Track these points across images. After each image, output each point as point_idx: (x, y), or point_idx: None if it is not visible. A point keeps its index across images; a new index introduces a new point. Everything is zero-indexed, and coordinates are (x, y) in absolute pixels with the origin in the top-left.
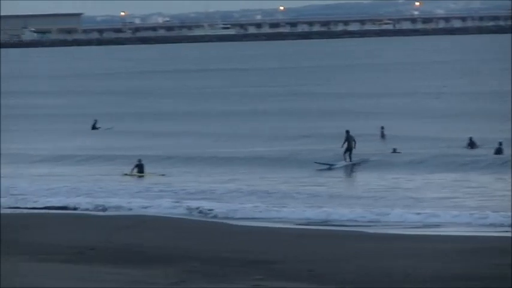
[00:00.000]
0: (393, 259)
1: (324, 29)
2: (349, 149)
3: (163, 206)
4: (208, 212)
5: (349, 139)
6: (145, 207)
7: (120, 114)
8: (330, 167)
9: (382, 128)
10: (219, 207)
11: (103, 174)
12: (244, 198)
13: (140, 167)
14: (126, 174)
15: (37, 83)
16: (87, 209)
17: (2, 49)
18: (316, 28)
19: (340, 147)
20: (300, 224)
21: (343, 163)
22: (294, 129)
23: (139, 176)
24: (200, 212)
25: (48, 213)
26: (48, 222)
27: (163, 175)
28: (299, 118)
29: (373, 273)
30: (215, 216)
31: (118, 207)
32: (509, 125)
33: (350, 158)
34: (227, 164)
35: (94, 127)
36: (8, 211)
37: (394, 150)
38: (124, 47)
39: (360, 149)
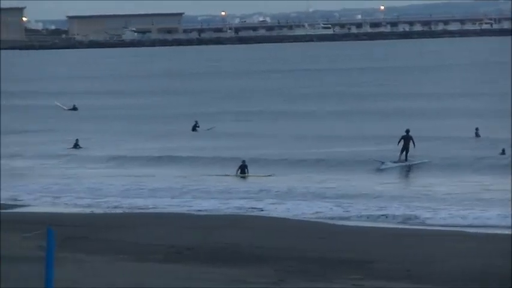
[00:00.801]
0: (492, 258)
1: (425, 29)
2: (405, 149)
3: (264, 207)
4: (317, 213)
5: (406, 138)
6: (244, 208)
7: (220, 114)
8: (382, 164)
9: (477, 129)
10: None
11: (205, 174)
12: (354, 200)
13: (243, 168)
14: (227, 175)
15: (135, 83)
16: (189, 210)
17: (104, 49)
18: (417, 28)
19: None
20: (399, 224)
21: (391, 164)
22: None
23: (243, 177)
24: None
25: (147, 213)
26: (147, 222)
27: (270, 175)
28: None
29: (472, 272)
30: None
31: (217, 207)
32: None
33: (406, 157)
34: (329, 165)
35: (194, 128)
36: (118, 210)
37: (503, 152)
38: (224, 46)
39: (462, 151)
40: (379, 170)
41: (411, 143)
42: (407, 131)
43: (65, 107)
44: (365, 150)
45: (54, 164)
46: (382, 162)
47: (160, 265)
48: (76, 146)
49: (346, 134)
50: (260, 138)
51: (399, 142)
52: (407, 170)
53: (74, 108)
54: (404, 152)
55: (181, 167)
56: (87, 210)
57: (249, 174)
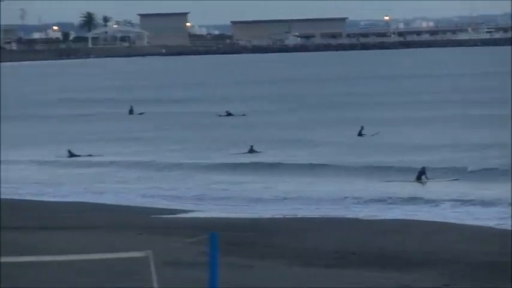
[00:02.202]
0: None
1: None
2: None
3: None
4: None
5: None
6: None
7: (387, 119)
8: None
9: None
10: None
11: (385, 181)
12: None
13: (420, 174)
14: (404, 181)
15: (298, 87)
16: (352, 216)
17: (267, 54)
18: None
19: None
20: None
21: None
22: None
23: (420, 183)
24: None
25: (310, 218)
26: (310, 227)
27: (456, 179)
28: None
29: None
30: None
31: (382, 212)
32: None
33: None
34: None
35: (360, 133)
36: (279, 216)
37: None
38: (388, 51)
39: None
40: None
41: None
42: None
43: (222, 114)
44: None
45: (221, 169)
46: None
47: (325, 270)
48: (252, 151)
49: None
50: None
51: None
52: None
53: (229, 114)
54: None
55: (346, 173)
56: (252, 216)
57: (428, 179)
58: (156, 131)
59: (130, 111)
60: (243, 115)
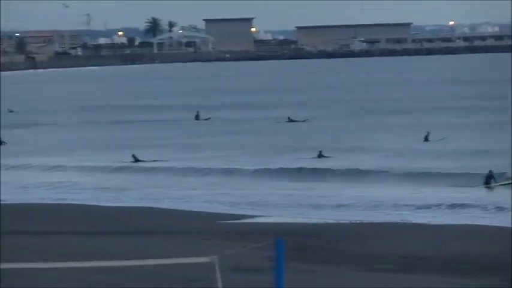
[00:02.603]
0: None
1: None
2: None
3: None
4: None
5: None
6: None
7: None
8: None
9: None
10: None
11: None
12: None
13: (488, 178)
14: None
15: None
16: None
17: (332, 59)
18: None
19: None
20: None
21: None
22: None
23: (489, 187)
24: None
25: (376, 223)
26: (377, 232)
27: None
28: None
29: None
30: None
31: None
32: None
33: None
34: None
35: (426, 139)
36: (344, 221)
37: None
38: (453, 56)
39: None
40: None
41: None
42: None
43: (297, 119)
44: None
45: (286, 174)
46: None
47: (393, 275)
48: (320, 156)
49: None
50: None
51: None
52: None
53: (291, 120)
54: None
55: (413, 179)
56: (317, 221)
57: (497, 183)
58: (222, 136)
59: (197, 117)
60: (304, 121)
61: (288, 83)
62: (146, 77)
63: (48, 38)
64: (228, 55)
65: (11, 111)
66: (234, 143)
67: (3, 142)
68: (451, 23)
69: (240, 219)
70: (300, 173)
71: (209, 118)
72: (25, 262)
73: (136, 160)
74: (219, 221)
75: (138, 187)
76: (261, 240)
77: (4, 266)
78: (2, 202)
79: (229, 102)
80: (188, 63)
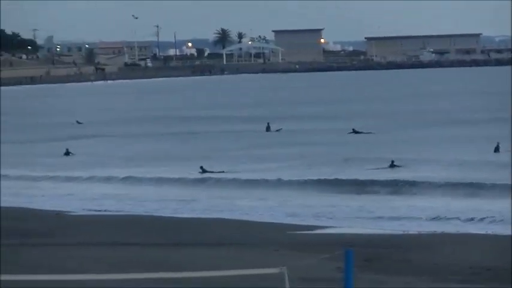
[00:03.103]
0: None
1: None
2: None
3: None
4: None
5: None
6: None
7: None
8: None
9: None
10: None
11: None
12: None
13: None
14: None
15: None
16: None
17: (402, 70)
18: None
19: None
20: None
21: None
22: None
23: None
24: None
25: (444, 234)
26: (444, 242)
27: None
28: None
29: None
30: None
31: None
32: None
33: None
34: None
35: (497, 149)
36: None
37: None
38: None
39: None
40: None
41: None
42: None
43: (361, 131)
44: None
45: (355, 185)
46: None
47: (460, 285)
48: (392, 165)
49: None
50: None
51: None
52: None
53: (356, 132)
54: None
55: (483, 190)
56: (386, 232)
57: None
58: (292, 148)
59: (268, 128)
60: (369, 133)
61: (356, 94)
62: (215, 88)
63: (117, 49)
64: (297, 66)
65: (80, 123)
66: (302, 154)
67: (71, 153)
68: None
69: (311, 229)
70: (367, 184)
71: (280, 129)
72: (91, 273)
73: (204, 171)
74: (290, 232)
75: (205, 198)
76: (330, 251)
77: (70, 277)
78: (71, 213)
79: (298, 114)
80: (257, 74)
